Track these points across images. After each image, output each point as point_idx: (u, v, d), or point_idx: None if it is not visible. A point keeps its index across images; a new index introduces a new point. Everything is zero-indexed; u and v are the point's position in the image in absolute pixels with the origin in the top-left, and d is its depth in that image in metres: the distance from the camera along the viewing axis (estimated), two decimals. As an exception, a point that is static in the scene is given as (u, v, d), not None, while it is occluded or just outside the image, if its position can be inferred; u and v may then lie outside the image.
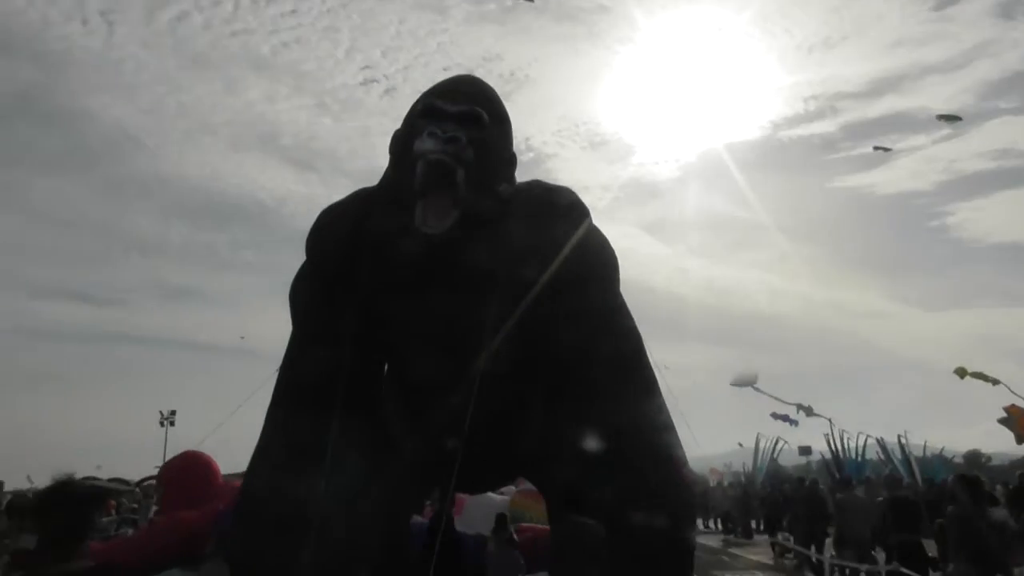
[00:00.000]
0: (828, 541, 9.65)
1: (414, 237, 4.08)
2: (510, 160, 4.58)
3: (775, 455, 25.10)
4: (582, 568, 4.04)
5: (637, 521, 3.86)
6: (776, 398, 23.74)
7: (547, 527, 8.38)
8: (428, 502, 7.26)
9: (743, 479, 24.50)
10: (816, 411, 23.61)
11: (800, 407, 23.81)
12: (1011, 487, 9.80)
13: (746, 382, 23.38)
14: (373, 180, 4.75)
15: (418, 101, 4.57)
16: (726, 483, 24.92)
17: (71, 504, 1.79)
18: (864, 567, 7.59)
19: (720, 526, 21.20)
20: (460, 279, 4.23)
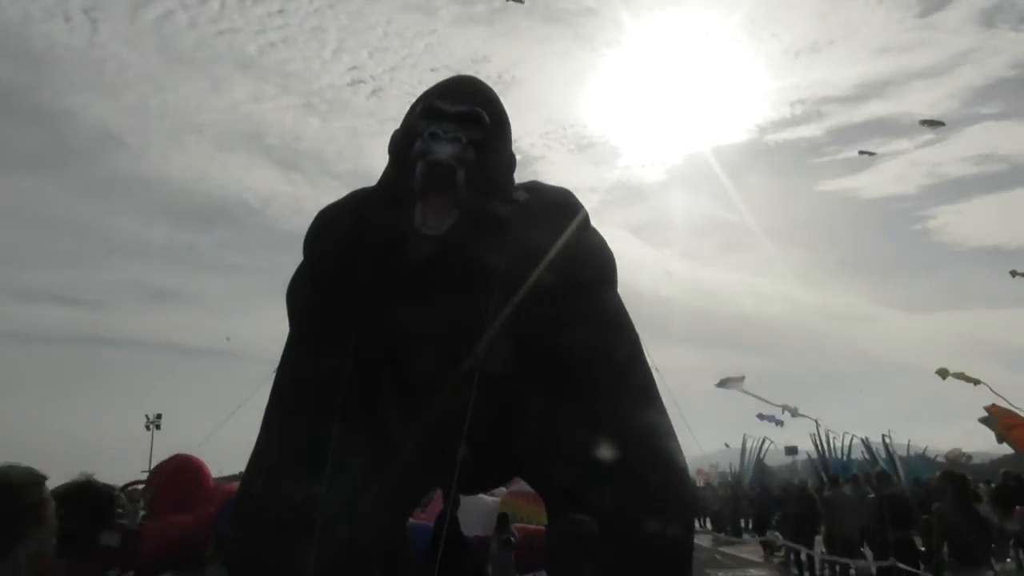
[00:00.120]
0: (818, 539, 9.78)
1: (414, 238, 4.08)
2: (510, 161, 4.59)
3: (761, 455, 25.38)
4: (578, 566, 4.04)
5: (636, 523, 3.87)
6: (762, 399, 23.99)
7: (536, 527, 8.41)
8: (420, 508, 7.25)
9: (730, 479, 24.69)
10: (801, 412, 23.90)
11: (785, 408, 24.05)
12: (994, 485, 9.99)
13: (733, 384, 23.54)
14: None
15: (417, 102, 4.56)
16: (716, 483, 25.14)
17: (89, 504, 1.78)
18: (857, 563, 7.69)
19: (710, 525, 21.43)
20: (460, 281, 4.23)
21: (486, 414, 4.14)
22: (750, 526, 15.86)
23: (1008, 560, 6.65)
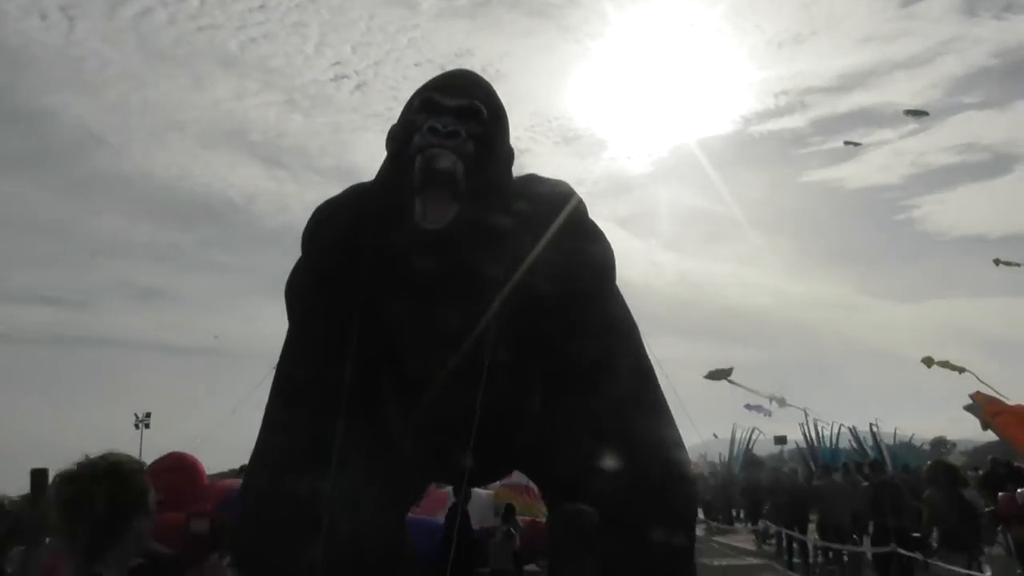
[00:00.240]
0: (810, 527, 9.93)
1: (414, 233, 4.07)
2: (508, 154, 4.57)
3: (750, 445, 25.64)
4: (579, 556, 4.06)
5: (638, 515, 3.89)
6: (750, 389, 24.21)
7: (529, 518, 8.46)
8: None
9: (719, 469, 24.92)
10: (789, 401, 24.18)
11: (773, 398, 24.31)
12: (981, 472, 10.16)
13: (721, 375, 23.71)
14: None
15: (415, 96, 4.54)
16: (707, 473, 25.37)
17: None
18: (855, 548, 7.82)
19: (702, 515, 21.65)
20: (460, 276, 4.22)
21: (486, 409, 4.15)
22: (741, 515, 16.05)
23: (996, 545, 6.79)
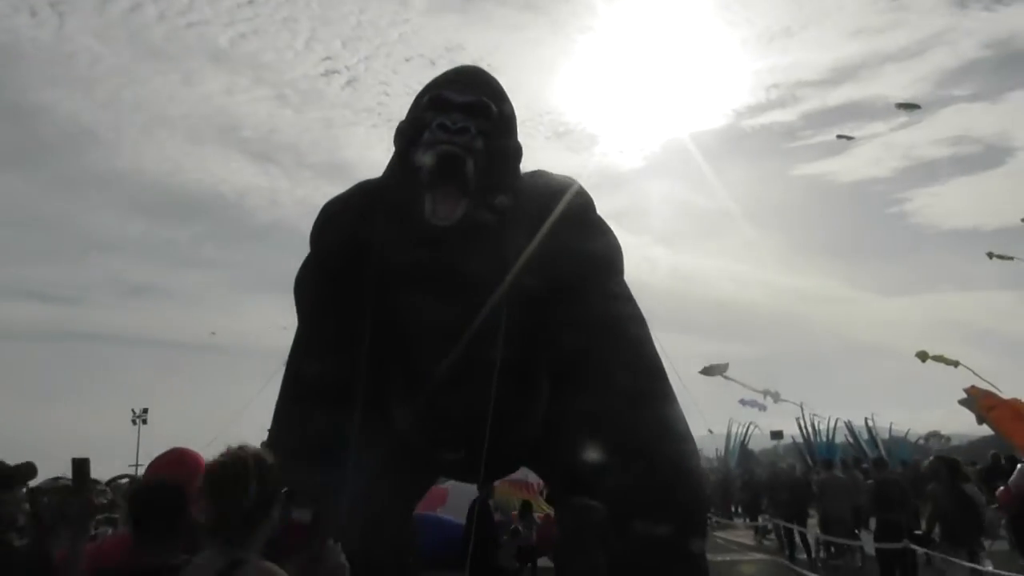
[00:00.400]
0: (811, 522, 9.97)
1: (423, 229, 4.04)
2: (516, 150, 4.55)
3: (745, 440, 25.68)
4: (589, 551, 4.05)
5: (647, 513, 3.86)
6: (744, 385, 24.25)
7: (543, 514, 8.46)
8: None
9: (715, 464, 24.98)
10: (784, 396, 24.22)
11: (767, 393, 24.36)
12: (979, 467, 10.21)
13: (716, 371, 23.73)
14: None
15: (423, 92, 4.51)
16: (705, 468, 25.33)
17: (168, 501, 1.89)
18: (863, 543, 7.83)
19: (703, 508, 21.46)
20: (467, 273, 4.20)
21: (496, 405, 4.14)
22: (739, 510, 16.12)
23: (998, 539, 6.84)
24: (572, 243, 4.43)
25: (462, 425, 4.46)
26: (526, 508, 6.48)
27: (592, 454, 4.11)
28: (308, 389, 4.33)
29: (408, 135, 4.31)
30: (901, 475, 9.49)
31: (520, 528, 6.40)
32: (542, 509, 8.74)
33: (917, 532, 6.44)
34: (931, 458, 7.48)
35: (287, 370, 4.58)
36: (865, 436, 21.24)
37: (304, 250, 4.92)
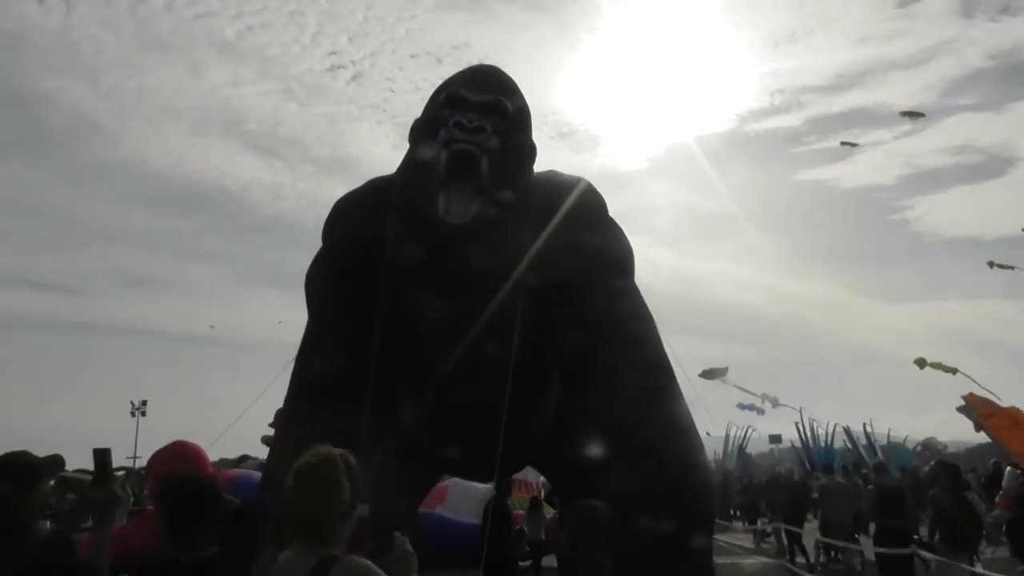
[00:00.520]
0: (809, 526, 9.99)
1: (436, 227, 4.05)
2: (531, 150, 4.56)
3: (743, 444, 25.73)
4: (595, 550, 4.05)
5: (654, 513, 3.87)
6: (743, 389, 24.29)
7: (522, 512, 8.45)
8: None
9: (713, 466, 25.00)
10: (783, 401, 24.27)
11: (766, 397, 24.41)
12: (980, 474, 10.26)
13: (716, 375, 23.75)
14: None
15: (439, 90, 4.52)
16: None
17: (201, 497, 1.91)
18: (864, 547, 7.84)
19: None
20: (478, 270, 4.20)
21: (506, 404, 4.14)
22: (737, 513, 16.15)
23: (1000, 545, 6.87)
24: (583, 242, 4.44)
25: (470, 421, 4.47)
26: (535, 506, 6.49)
27: (599, 453, 4.12)
28: (315, 384, 4.33)
29: (424, 133, 4.32)
30: (901, 481, 9.51)
31: (525, 528, 6.40)
32: (548, 508, 8.73)
33: (916, 537, 6.47)
34: (932, 463, 7.50)
35: (296, 365, 4.58)
36: (863, 442, 21.30)
37: (306, 245, 4.94)
